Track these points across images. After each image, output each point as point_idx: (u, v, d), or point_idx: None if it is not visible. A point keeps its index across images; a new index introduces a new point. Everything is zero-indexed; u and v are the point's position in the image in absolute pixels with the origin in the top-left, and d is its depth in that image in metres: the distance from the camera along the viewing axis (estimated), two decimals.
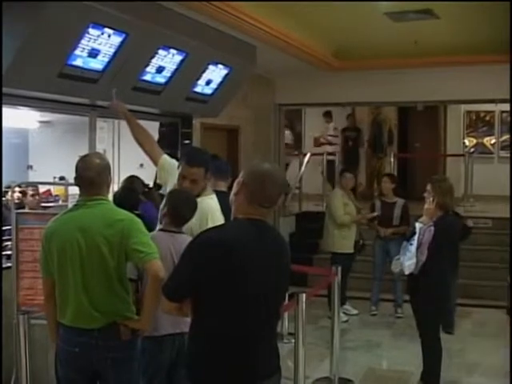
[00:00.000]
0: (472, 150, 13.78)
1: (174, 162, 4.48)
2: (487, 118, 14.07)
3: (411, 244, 5.22)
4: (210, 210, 4.02)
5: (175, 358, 3.86)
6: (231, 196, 2.88)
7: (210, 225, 3.67)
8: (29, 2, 4.40)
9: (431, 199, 5.27)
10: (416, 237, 5.19)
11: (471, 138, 14.23)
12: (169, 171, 4.47)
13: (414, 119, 14.04)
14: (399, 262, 5.43)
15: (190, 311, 2.79)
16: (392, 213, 8.14)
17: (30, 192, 6.60)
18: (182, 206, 3.93)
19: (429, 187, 5.36)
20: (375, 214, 8.19)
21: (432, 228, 5.16)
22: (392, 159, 12.17)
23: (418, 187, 10.68)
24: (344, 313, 7.85)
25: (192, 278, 2.72)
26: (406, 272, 5.30)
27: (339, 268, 6.07)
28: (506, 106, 11.71)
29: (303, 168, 11.57)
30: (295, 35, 7.61)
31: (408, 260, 5.23)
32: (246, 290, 2.71)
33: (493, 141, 14.10)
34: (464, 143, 14.18)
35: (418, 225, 5.24)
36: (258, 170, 2.84)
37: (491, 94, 9.39)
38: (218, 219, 3.97)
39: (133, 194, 5.35)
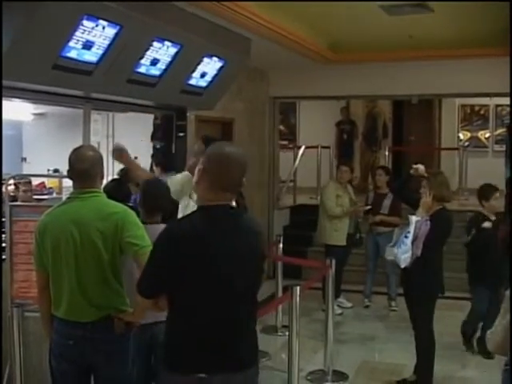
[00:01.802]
0: (466, 143, 13.82)
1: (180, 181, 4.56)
2: (482, 112, 14.10)
3: (406, 237, 5.22)
4: None
5: (149, 348, 3.91)
6: (193, 185, 2.84)
7: None
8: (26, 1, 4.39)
9: (427, 193, 5.30)
10: (411, 229, 5.19)
11: (466, 132, 14.26)
12: (181, 189, 4.56)
13: (409, 113, 14.06)
14: (392, 249, 5.42)
15: (166, 304, 2.78)
16: (382, 202, 8.16)
17: (23, 188, 6.57)
18: (152, 196, 4.02)
19: (424, 182, 5.39)
20: (368, 207, 8.20)
21: (428, 222, 5.17)
22: (386, 153, 12.19)
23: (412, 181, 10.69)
24: (338, 306, 7.87)
25: (164, 273, 2.70)
26: (402, 265, 5.30)
27: (333, 261, 6.09)
28: (500, 100, 11.75)
29: (297, 161, 11.57)
30: (290, 28, 7.59)
31: (404, 253, 5.23)
32: (219, 279, 2.69)
33: (487, 134, 14.14)
34: (458, 137, 14.21)
35: (414, 218, 5.24)
36: (217, 154, 2.79)
37: (486, 88, 9.39)
38: None
39: (122, 185, 5.34)
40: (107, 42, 5.16)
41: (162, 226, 3.52)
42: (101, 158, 3.62)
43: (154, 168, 6.82)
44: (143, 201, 4.12)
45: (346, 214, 7.99)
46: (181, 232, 2.71)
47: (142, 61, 5.79)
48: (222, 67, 6.94)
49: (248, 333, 2.85)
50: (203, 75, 6.82)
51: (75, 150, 3.56)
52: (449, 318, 7.42)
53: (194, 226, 2.72)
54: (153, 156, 7.18)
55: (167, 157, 7.11)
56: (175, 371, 2.72)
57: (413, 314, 5.50)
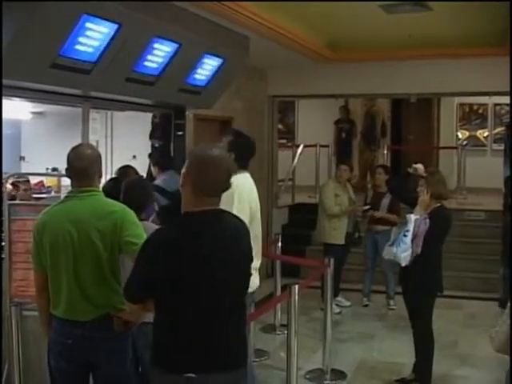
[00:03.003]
0: (465, 142, 13.83)
1: None
2: (480, 111, 14.11)
3: (405, 235, 5.22)
4: (236, 189, 4.05)
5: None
6: (180, 188, 2.79)
7: (236, 203, 4.02)
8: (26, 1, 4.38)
9: (425, 191, 5.30)
10: (411, 228, 5.20)
11: (464, 131, 14.27)
12: None
13: (408, 111, 14.05)
14: (391, 249, 5.41)
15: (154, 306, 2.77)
16: (380, 201, 8.16)
17: (22, 186, 6.57)
18: (133, 194, 4.07)
19: (422, 181, 5.39)
20: (367, 206, 8.20)
21: (427, 220, 5.17)
22: (385, 151, 12.19)
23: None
24: (337, 304, 7.87)
25: (152, 279, 2.69)
26: (403, 264, 5.29)
27: (332, 260, 6.08)
28: (499, 99, 11.76)
29: (296, 160, 11.57)
30: (289, 27, 7.59)
31: (403, 252, 5.22)
32: (211, 284, 2.69)
33: (486, 133, 14.14)
34: (457, 136, 14.22)
35: (413, 216, 5.25)
36: (200, 158, 2.76)
37: (485, 87, 9.39)
38: (246, 196, 4.26)
39: (121, 184, 5.36)
40: (106, 41, 5.15)
41: (152, 225, 3.54)
42: (99, 156, 3.62)
43: (152, 168, 6.79)
44: (122, 200, 4.12)
45: (345, 213, 7.98)
46: (164, 241, 2.70)
47: (141, 59, 5.78)
48: (220, 65, 6.94)
49: (239, 335, 2.85)
50: (202, 74, 6.82)
51: (74, 149, 3.56)
52: (447, 316, 7.44)
53: (183, 232, 2.71)
54: (150, 156, 7.17)
55: (165, 156, 7.10)
56: (165, 371, 2.72)
57: (412, 313, 5.50)
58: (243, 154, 4.49)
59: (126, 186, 4.30)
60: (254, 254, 4.14)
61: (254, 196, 4.55)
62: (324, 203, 8.01)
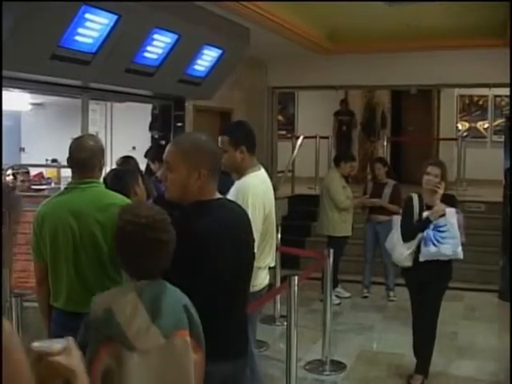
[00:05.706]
0: (465, 134, 13.82)
1: None
2: (480, 103, 14.10)
3: (442, 231, 5.00)
4: (243, 190, 3.95)
5: None
6: (190, 186, 2.72)
7: (251, 210, 3.67)
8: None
9: (442, 183, 4.95)
10: (453, 221, 5.02)
11: (464, 123, 14.26)
12: None
13: (408, 103, 14.04)
14: (428, 249, 5.07)
15: None
16: (382, 192, 8.17)
17: (21, 178, 6.56)
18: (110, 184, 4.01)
19: (437, 171, 4.98)
20: (376, 199, 8.18)
21: (458, 209, 5.08)
22: (385, 143, 12.19)
23: (410, 171, 10.72)
24: (336, 296, 7.88)
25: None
26: (461, 257, 5.15)
27: (331, 251, 6.08)
28: (499, 91, 11.74)
29: (296, 151, 11.55)
30: (289, 18, 7.58)
31: (458, 246, 5.07)
32: (223, 272, 2.69)
33: (486, 125, 14.13)
34: (457, 127, 14.21)
35: (448, 210, 5.00)
36: (201, 144, 2.79)
37: (485, 78, 9.38)
38: (253, 197, 3.90)
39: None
40: (105, 32, 5.15)
41: None
42: (101, 148, 3.60)
43: (152, 165, 6.55)
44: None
45: (355, 206, 8.06)
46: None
47: (140, 50, 5.77)
48: (220, 56, 6.93)
49: (240, 324, 2.86)
50: (201, 64, 6.81)
51: (76, 139, 3.56)
52: (446, 307, 7.41)
53: (196, 220, 2.71)
54: (146, 155, 6.78)
55: (163, 148, 7.02)
56: None
57: (428, 304, 5.29)
58: (252, 143, 4.13)
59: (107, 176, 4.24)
60: (268, 252, 4.14)
61: (270, 196, 4.26)
62: (335, 198, 7.96)
